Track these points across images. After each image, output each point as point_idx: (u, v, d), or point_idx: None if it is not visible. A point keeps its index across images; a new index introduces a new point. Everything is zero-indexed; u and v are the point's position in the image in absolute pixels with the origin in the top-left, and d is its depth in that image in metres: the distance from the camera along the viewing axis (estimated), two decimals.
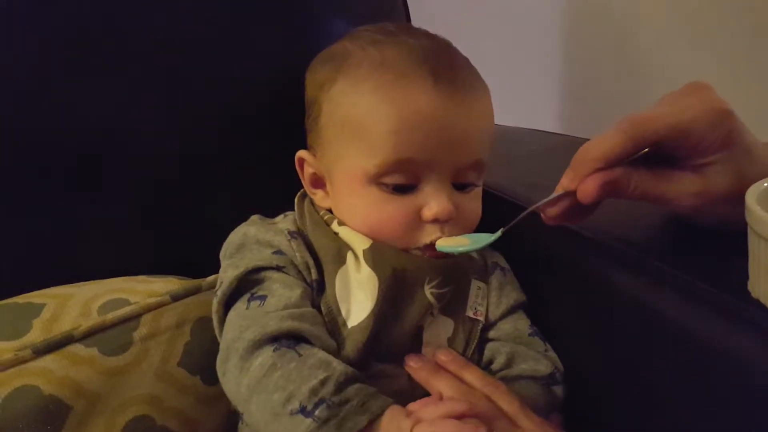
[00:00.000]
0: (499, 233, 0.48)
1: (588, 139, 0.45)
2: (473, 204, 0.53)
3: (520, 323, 0.56)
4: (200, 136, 0.67)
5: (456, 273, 0.53)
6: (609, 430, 0.49)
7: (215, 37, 0.67)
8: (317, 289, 0.51)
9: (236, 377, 0.45)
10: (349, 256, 0.51)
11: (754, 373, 0.38)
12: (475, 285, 0.55)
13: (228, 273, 0.51)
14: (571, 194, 0.45)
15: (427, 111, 0.48)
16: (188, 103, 0.66)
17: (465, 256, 0.55)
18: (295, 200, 0.58)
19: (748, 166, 0.43)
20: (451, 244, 0.50)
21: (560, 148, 0.66)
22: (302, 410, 0.42)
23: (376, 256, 0.50)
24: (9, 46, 0.58)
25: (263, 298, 0.49)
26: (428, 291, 0.51)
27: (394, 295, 0.50)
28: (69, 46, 0.60)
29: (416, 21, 0.71)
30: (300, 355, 0.45)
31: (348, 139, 0.51)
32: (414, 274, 0.51)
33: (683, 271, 0.44)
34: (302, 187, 0.58)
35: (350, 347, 0.49)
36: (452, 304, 0.53)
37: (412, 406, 0.44)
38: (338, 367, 0.45)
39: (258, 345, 0.46)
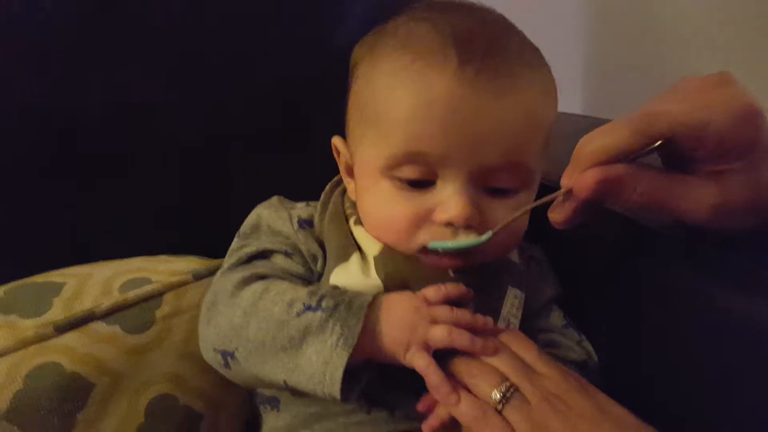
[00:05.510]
0: (490, 234, 0.44)
1: None
2: (511, 215, 0.45)
3: (554, 317, 0.55)
4: (224, 120, 0.66)
5: (486, 283, 0.48)
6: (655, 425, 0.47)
7: (238, 15, 0.65)
8: (317, 281, 0.50)
9: (227, 313, 0.45)
10: (355, 256, 0.48)
11: None
12: (512, 293, 0.50)
13: (243, 250, 0.51)
14: (572, 194, 0.41)
15: (445, 99, 0.42)
16: (212, 85, 0.65)
17: (503, 260, 0.51)
18: (327, 186, 0.56)
19: (767, 174, 0.38)
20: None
21: (591, 129, 0.64)
22: (308, 308, 0.43)
23: (387, 265, 0.47)
24: (27, 29, 0.57)
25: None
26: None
27: None
28: (89, 28, 0.59)
29: None
30: (290, 281, 0.47)
31: (366, 125, 0.47)
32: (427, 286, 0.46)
33: (742, 257, 0.41)
34: (328, 177, 0.56)
35: None
36: (482, 313, 0.47)
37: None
38: None
39: (248, 281, 0.46)
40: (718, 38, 0.88)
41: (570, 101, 1.07)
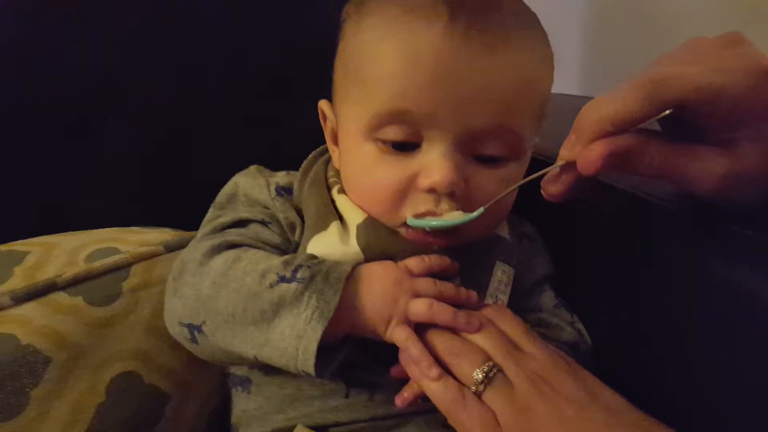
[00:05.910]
0: (481, 210, 0.41)
1: None
2: (498, 186, 0.43)
3: (546, 296, 0.53)
4: (200, 87, 0.64)
5: (473, 257, 0.46)
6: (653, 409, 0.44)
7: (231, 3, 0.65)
8: (294, 251, 0.47)
9: (195, 284, 0.43)
10: (335, 225, 0.46)
11: None
12: (499, 269, 0.48)
13: (218, 221, 0.48)
14: (572, 166, 0.38)
15: (433, 54, 0.39)
16: (189, 52, 0.64)
17: (492, 235, 0.48)
18: (310, 155, 0.53)
19: None
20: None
21: None
22: (282, 279, 0.40)
23: (370, 235, 0.44)
24: None
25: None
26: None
27: None
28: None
29: None
30: (264, 250, 0.45)
31: (349, 84, 0.44)
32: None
33: (748, 231, 0.37)
34: (309, 148, 0.54)
35: None
36: (468, 288, 0.44)
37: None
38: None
39: (218, 249, 0.44)
40: (717, 20, 0.85)
41: (567, 82, 1.04)
